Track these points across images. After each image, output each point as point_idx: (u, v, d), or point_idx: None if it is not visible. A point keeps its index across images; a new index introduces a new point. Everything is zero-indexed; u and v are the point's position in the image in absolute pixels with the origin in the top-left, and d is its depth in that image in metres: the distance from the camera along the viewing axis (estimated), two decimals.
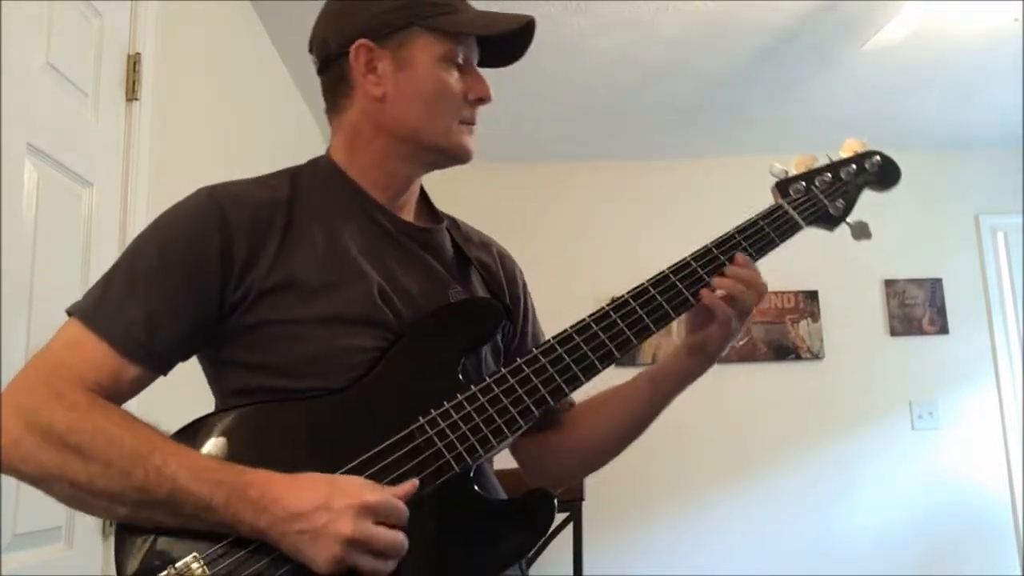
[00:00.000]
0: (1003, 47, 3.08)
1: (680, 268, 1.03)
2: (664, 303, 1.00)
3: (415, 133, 1.01)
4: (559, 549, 1.63)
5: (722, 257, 1.03)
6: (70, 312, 0.91)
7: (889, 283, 4.12)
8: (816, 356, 4.04)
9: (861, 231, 1.12)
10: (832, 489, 3.93)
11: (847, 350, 4.05)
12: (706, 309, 1.01)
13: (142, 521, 0.83)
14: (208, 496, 0.80)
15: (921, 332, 4.09)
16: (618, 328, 0.98)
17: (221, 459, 0.85)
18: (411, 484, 0.85)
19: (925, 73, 3.33)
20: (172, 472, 0.81)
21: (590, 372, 0.96)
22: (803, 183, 1.12)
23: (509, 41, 1.04)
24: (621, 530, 3.82)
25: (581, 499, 1.65)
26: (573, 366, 0.96)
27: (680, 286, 1.01)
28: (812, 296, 4.08)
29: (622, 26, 2.89)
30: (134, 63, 1.80)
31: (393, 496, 0.82)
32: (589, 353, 0.96)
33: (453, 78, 1.00)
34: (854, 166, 1.14)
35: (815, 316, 4.07)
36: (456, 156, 1.03)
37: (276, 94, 3.04)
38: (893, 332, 4.09)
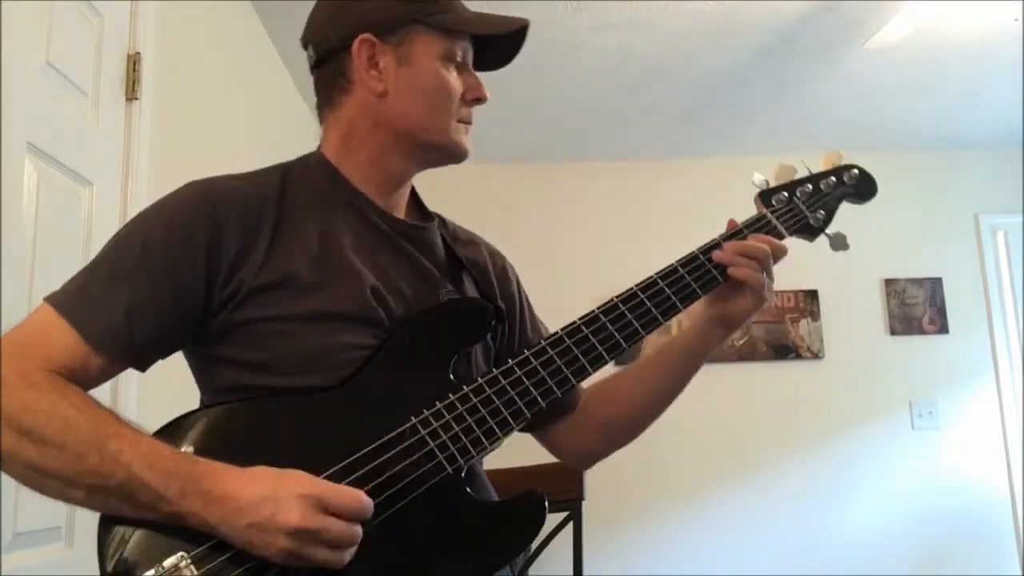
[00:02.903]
0: (1003, 47, 3.08)
1: (668, 274, 1.04)
2: (653, 307, 1.02)
3: (415, 130, 1.01)
4: (559, 549, 1.63)
5: (708, 264, 1.05)
6: (50, 302, 0.89)
7: (889, 282, 4.12)
8: (816, 355, 4.04)
9: (839, 242, 1.14)
10: (832, 489, 3.93)
11: (847, 349, 4.06)
12: (734, 283, 1.03)
13: (98, 507, 0.82)
14: (163, 487, 0.79)
15: (921, 332, 4.09)
16: (608, 332, 0.99)
17: (184, 450, 0.84)
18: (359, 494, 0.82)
19: (925, 73, 3.33)
20: (127, 460, 0.79)
21: (580, 374, 0.98)
22: (785, 193, 1.14)
23: (503, 44, 1.05)
24: (621, 530, 3.82)
25: (581, 499, 1.64)
26: (564, 368, 0.97)
27: (668, 291, 1.03)
28: (812, 295, 4.08)
29: (622, 26, 2.89)
30: (134, 63, 1.80)
31: (344, 491, 0.81)
32: (580, 356, 0.98)
33: (453, 76, 1.01)
34: (833, 178, 1.17)
35: (815, 315, 4.07)
36: (454, 154, 1.04)
37: (276, 94, 3.04)
38: (893, 332, 4.09)
